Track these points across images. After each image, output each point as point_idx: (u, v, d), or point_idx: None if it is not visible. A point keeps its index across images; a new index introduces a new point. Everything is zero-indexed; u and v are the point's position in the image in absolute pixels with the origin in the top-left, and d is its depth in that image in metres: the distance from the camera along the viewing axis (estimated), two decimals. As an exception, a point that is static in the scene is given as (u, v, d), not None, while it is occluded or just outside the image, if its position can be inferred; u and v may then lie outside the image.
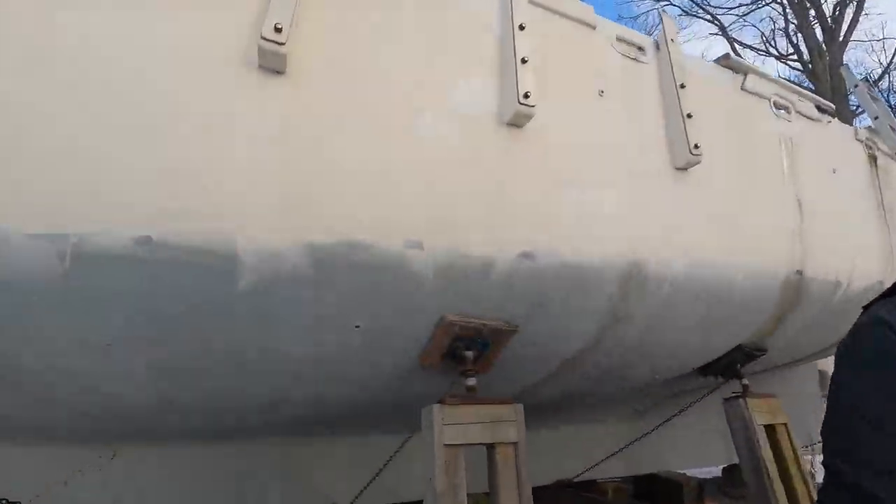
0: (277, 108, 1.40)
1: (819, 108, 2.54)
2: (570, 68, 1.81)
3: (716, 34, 15.69)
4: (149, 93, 1.30)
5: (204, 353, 1.58)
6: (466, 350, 1.72)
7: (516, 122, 1.63)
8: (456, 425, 1.53)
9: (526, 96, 1.58)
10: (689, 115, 1.91)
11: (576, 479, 3.10)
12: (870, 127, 2.84)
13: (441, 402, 1.57)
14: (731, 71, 2.30)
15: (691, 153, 1.86)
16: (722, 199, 1.98)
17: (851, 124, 3.61)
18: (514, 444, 1.59)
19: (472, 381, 1.69)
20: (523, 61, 1.62)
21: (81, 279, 1.35)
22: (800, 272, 2.04)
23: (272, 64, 1.37)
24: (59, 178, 1.27)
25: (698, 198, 1.92)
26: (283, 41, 1.32)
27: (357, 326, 1.59)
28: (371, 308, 1.58)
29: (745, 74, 2.28)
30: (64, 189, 1.28)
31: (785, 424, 2.29)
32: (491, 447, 1.59)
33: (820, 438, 0.75)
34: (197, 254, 1.35)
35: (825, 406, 0.75)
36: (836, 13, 13.06)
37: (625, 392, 2.78)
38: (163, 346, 1.53)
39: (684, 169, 1.93)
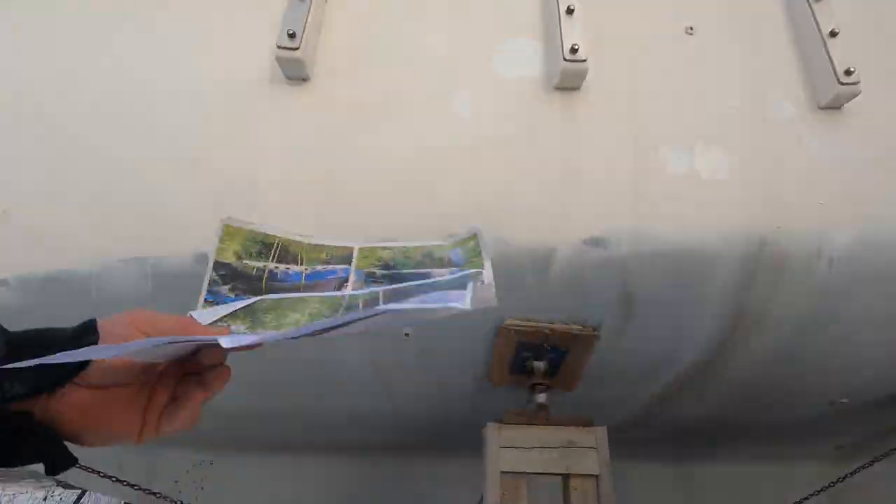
0: (308, 115, 1.39)
1: None
2: (640, 7, 1.46)
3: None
4: (190, 126, 1.40)
5: (274, 362, 1.64)
6: (536, 360, 1.46)
7: (567, 83, 1.36)
8: (517, 449, 1.29)
9: (573, 51, 1.30)
10: (834, 33, 1.38)
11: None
12: None
13: (500, 420, 1.34)
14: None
15: (841, 83, 1.33)
16: (889, 138, 1.37)
17: None
18: (595, 476, 1.28)
19: (542, 398, 1.42)
20: (569, 11, 1.35)
21: (165, 296, 1.51)
22: None
23: (294, 72, 1.37)
24: (137, 213, 1.45)
25: (856, 142, 1.36)
26: (297, 46, 1.31)
27: (406, 335, 1.47)
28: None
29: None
30: (142, 221, 1.45)
31: None
32: (566, 478, 1.30)
33: None
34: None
35: None
36: None
37: (810, 421, 2.11)
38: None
39: (834, 107, 1.39)
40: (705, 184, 1.35)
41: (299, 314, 0.63)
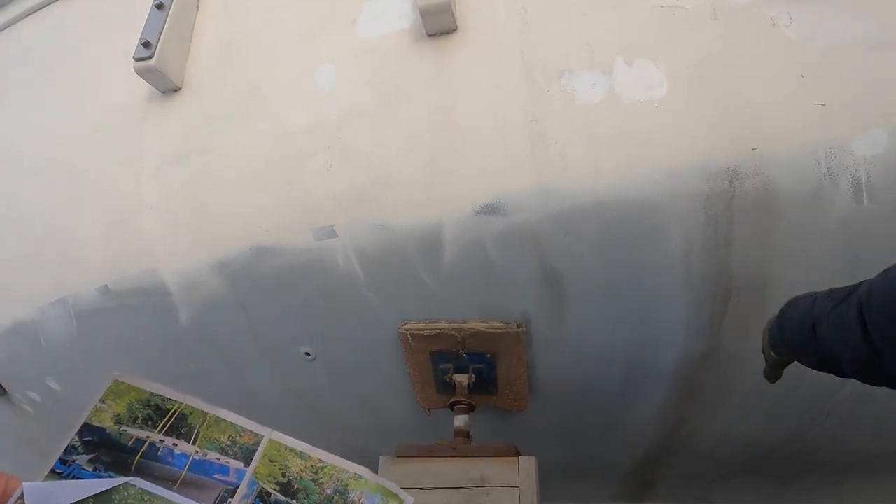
0: (179, 126, 1.30)
1: None
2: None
3: None
4: (81, 159, 1.39)
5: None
6: (457, 373, 1.16)
7: (436, 25, 1.11)
8: (414, 490, 0.99)
9: (430, -18, 1.06)
10: None
11: None
12: None
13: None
14: None
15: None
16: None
17: None
18: (514, 525, 0.92)
19: (460, 420, 1.10)
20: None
21: (88, 335, 1.48)
22: None
23: (160, 84, 1.30)
24: (52, 252, 1.45)
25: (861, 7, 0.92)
26: (151, 55, 1.24)
27: (307, 354, 1.26)
28: (313, 329, 1.24)
29: None
30: (55, 260, 1.45)
31: None
32: (482, 528, 0.96)
33: None
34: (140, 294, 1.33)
35: None
36: None
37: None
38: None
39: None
40: (632, 109, 0.99)
41: None
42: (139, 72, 1.26)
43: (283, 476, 0.61)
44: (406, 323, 1.13)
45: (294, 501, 0.59)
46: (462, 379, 1.14)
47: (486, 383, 1.18)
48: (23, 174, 1.50)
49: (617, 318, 1.07)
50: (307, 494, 0.60)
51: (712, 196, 0.96)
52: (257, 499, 0.58)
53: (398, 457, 1.02)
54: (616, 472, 1.71)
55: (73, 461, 0.53)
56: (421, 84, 1.10)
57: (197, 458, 0.58)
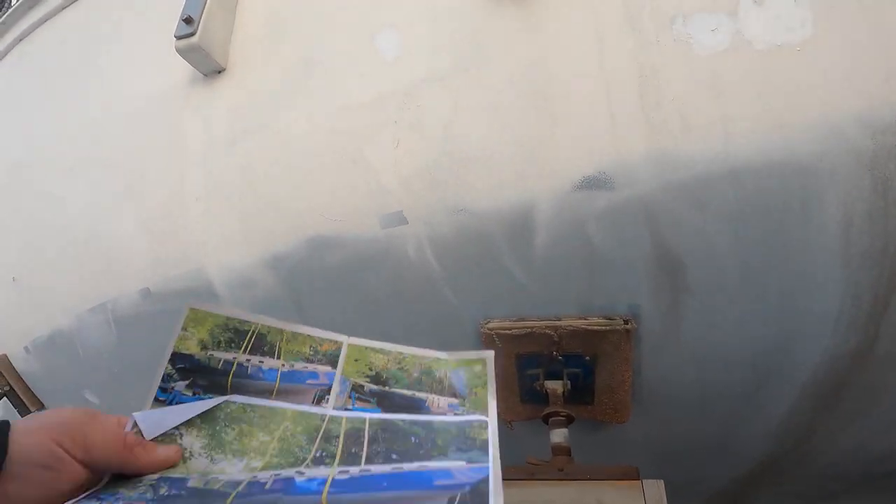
0: (224, 108, 1.18)
1: None
2: None
3: None
4: (121, 151, 1.29)
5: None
6: (549, 379, 0.99)
7: (513, -22, 0.96)
8: (518, 518, 0.82)
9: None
10: None
11: None
12: None
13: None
14: None
15: None
16: None
17: None
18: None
19: (559, 435, 0.93)
20: None
21: (130, 341, 1.37)
22: None
23: (203, 64, 1.18)
24: (90, 255, 1.35)
25: None
26: (193, 31, 1.12)
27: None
28: (379, 330, 1.08)
29: None
30: (94, 263, 1.34)
31: None
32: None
33: None
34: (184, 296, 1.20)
35: None
36: None
37: None
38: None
39: None
40: (768, 55, 0.81)
41: (268, 436, 0.54)
42: (181, 51, 1.14)
43: (371, 370, 0.62)
44: (489, 322, 0.97)
45: (386, 387, 0.61)
46: (556, 386, 0.97)
47: (580, 391, 1.01)
48: (57, 173, 1.41)
49: (751, 310, 0.89)
50: (397, 381, 0.62)
51: (879, 154, 0.77)
52: (352, 391, 0.60)
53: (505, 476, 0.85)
54: (707, 489, 1.50)
55: (173, 388, 0.55)
56: (503, 40, 0.95)
57: (285, 370, 0.60)
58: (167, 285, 1.23)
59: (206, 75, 1.22)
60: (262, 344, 0.60)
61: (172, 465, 0.49)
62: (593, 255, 0.90)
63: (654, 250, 0.88)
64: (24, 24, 1.64)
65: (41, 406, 1.75)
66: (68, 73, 1.47)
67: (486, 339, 0.97)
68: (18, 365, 1.66)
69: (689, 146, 0.83)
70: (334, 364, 0.61)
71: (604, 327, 0.92)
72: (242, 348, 0.59)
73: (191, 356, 0.57)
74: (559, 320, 0.94)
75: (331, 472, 0.50)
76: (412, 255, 0.99)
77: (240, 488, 0.47)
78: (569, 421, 0.95)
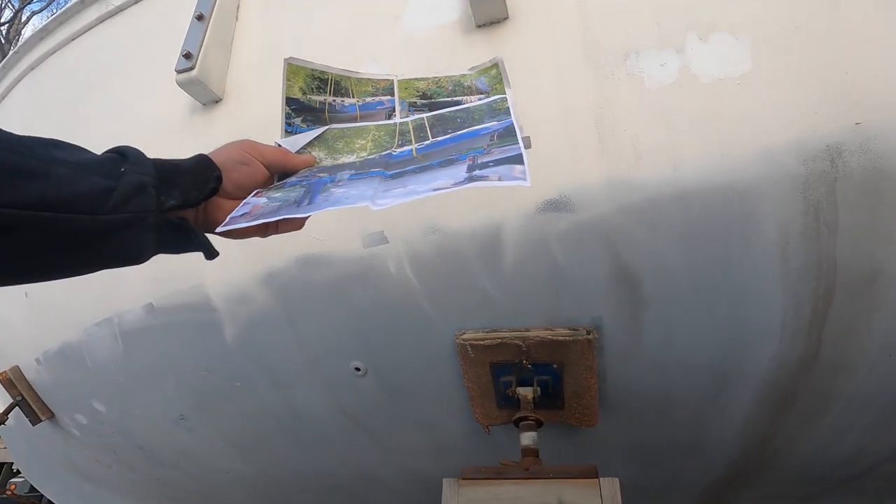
0: (220, 137, 1.27)
1: None
2: None
3: None
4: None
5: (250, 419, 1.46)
6: (520, 386, 1.06)
7: (486, 15, 1.05)
8: (485, 516, 0.89)
9: (481, -31, 1.00)
10: None
11: None
12: None
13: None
14: None
15: None
16: None
17: None
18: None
19: (527, 438, 1.01)
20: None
21: (135, 355, 1.45)
22: None
23: (201, 95, 1.27)
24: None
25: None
26: (192, 66, 1.21)
27: (357, 370, 1.19)
28: (364, 342, 1.16)
29: None
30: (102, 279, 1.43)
31: None
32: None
33: None
34: (185, 310, 1.29)
35: None
36: None
37: None
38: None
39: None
40: (712, 88, 0.90)
41: (364, 139, 0.75)
42: (181, 83, 1.23)
43: (417, 91, 0.82)
44: (464, 333, 1.05)
45: (432, 99, 0.81)
46: (527, 392, 1.05)
47: (551, 397, 1.08)
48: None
49: (703, 321, 0.96)
50: (437, 94, 0.81)
51: (811, 179, 0.85)
52: (410, 107, 0.80)
53: (462, 479, 0.93)
54: (688, 492, 1.56)
55: (293, 123, 0.75)
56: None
57: (360, 103, 0.79)
58: (169, 300, 1.31)
59: (204, 105, 1.31)
60: (340, 88, 0.79)
61: (311, 165, 0.70)
62: (558, 271, 0.98)
63: (613, 267, 0.96)
64: (34, 54, 1.74)
65: (51, 415, 1.84)
66: (75, 101, 1.57)
67: (461, 349, 1.05)
68: (30, 375, 1.75)
69: (641, 172, 0.91)
70: (392, 94, 0.81)
71: (568, 338, 0.99)
72: (328, 92, 0.78)
73: (297, 99, 0.76)
74: (528, 331, 1.02)
75: (412, 146, 0.71)
76: (393, 271, 1.07)
77: (358, 163, 0.70)
78: (538, 425, 1.02)
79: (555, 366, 1.03)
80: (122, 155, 0.55)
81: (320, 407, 1.30)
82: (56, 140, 0.52)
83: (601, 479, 0.88)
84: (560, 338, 0.99)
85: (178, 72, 1.23)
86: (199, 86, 1.24)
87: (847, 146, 0.84)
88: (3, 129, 0.48)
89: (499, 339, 1.01)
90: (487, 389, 1.10)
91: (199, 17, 1.28)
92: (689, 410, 1.12)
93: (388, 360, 1.16)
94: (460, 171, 0.58)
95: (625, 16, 0.98)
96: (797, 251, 0.88)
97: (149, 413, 1.52)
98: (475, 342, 1.03)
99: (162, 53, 1.38)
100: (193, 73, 1.22)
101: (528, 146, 0.59)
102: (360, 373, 1.19)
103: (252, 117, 1.25)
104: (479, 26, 1.07)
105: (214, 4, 1.28)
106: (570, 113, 0.96)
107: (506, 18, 1.06)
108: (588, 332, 0.98)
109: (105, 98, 1.51)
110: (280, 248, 1.17)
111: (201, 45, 1.24)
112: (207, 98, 1.28)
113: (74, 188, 0.49)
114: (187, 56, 1.23)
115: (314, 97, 0.77)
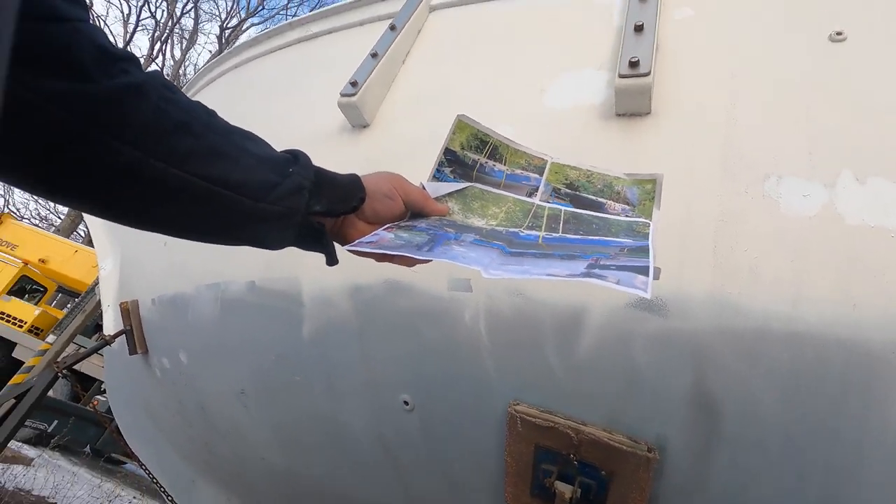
0: (360, 155, 1.42)
1: None
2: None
3: None
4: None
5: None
6: (560, 480, 0.99)
7: (627, 106, 1.07)
8: None
9: (632, 64, 1.03)
10: None
11: None
12: None
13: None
14: None
15: None
16: None
17: None
18: None
19: (554, 540, 0.93)
20: (637, 29, 1.11)
21: (229, 320, 1.61)
22: None
23: (354, 118, 1.44)
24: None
25: None
26: (355, 93, 1.38)
27: (406, 403, 1.20)
28: (420, 378, 1.17)
29: None
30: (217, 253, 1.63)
31: None
32: None
33: None
34: (279, 297, 1.41)
35: None
36: None
37: None
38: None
39: None
40: (859, 232, 0.81)
41: (498, 208, 0.79)
42: (341, 105, 1.40)
43: (566, 179, 0.84)
44: (518, 404, 1.02)
45: (577, 192, 0.82)
46: (565, 490, 0.97)
47: (589, 498, 0.99)
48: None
49: (788, 487, 0.83)
50: (585, 188, 0.82)
51: (966, 365, 0.72)
52: (553, 192, 0.82)
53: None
54: None
55: (443, 171, 0.80)
56: (598, 159, 1.05)
57: (509, 172, 0.84)
58: (269, 283, 1.45)
59: (353, 127, 1.48)
60: (496, 153, 0.85)
61: (444, 214, 0.76)
62: (633, 372, 0.92)
63: (695, 389, 0.88)
64: (240, 57, 2.11)
65: (146, 350, 2.08)
66: (257, 99, 1.85)
67: (510, 420, 1.01)
68: (143, 312, 2.01)
69: (753, 298, 0.84)
70: (541, 173, 0.85)
71: (626, 447, 0.92)
72: (484, 154, 0.84)
73: (454, 152, 0.82)
74: (584, 425, 0.96)
75: (540, 233, 0.73)
76: (467, 320, 1.08)
77: (485, 230, 0.74)
78: (567, 529, 0.94)
79: (603, 472, 0.95)
80: (295, 157, 0.64)
81: (361, 428, 1.32)
82: (251, 133, 0.63)
83: None
84: (616, 444, 0.92)
85: (343, 95, 1.41)
86: (355, 110, 1.41)
87: None
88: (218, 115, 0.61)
89: (552, 422, 0.97)
90: (525, 471, 1.05)
91: (374, 55, 1.47)
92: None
93: (438, 404, 1.16)
94: (580, 266, 0.58)
95: (776, 136, 0.94)
96: (929, 443, 0.74)
97: (219, 378, 1.66)
98: (527, 417, 0.99)
99: (332, 78, 1.60)
100: (354, 98, 1.38)
101: (656, 277, 0.56)
102: (407, 407, 1.20)
103: (388, 147, 1.38)
104: (618, 115, 1.10)
105: (389, 47, 1.46)
106: (690, 217, 0.92)
107: (647, 114, 1.07)
108: (649, 450, 0.90)
109: (280, 103, 1.77)
110: (373, 265, 1.24)
111: (367, 77, 1.42)
112: (358, 122, 1.45)
113: (252, 176, 0.58)
114: (353, 84, 1.41)
115: (470, 154, 0.83)
